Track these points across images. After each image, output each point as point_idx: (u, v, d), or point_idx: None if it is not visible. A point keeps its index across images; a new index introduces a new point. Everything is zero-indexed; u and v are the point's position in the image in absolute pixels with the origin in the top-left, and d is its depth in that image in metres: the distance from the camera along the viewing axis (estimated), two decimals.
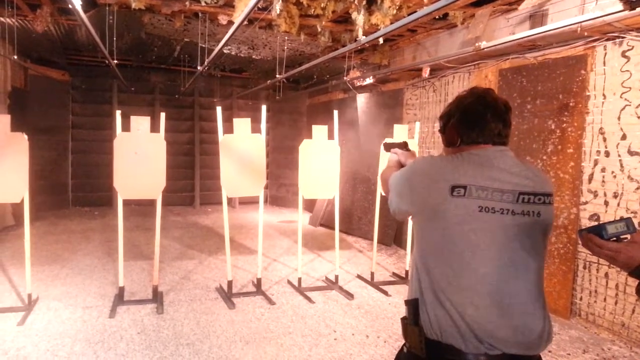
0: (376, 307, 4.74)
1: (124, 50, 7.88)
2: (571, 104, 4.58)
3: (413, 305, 1.55)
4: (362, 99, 8.32)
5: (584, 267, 4.45)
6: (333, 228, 8.37)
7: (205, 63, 5.70)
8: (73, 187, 10.38)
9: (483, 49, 4.19)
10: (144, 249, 6.78)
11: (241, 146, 4.89)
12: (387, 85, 7.71)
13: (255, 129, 4.95)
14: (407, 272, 5.66)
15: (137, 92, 10.42)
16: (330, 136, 5.23)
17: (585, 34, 4.08)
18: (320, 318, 4.40)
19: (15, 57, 6.54)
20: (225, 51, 7.09)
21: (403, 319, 1.61)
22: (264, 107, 5.04)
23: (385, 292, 5.13)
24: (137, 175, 4.54)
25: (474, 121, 1.60)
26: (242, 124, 4.89)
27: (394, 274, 5.86)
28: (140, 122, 4.59)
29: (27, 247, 4.39)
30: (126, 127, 4.56)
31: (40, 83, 9.14)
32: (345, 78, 7.04)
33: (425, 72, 6.06)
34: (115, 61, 5.88)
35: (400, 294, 5.12)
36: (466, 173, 1.51)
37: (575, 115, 4.54)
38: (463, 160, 1.55)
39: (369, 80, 7.68)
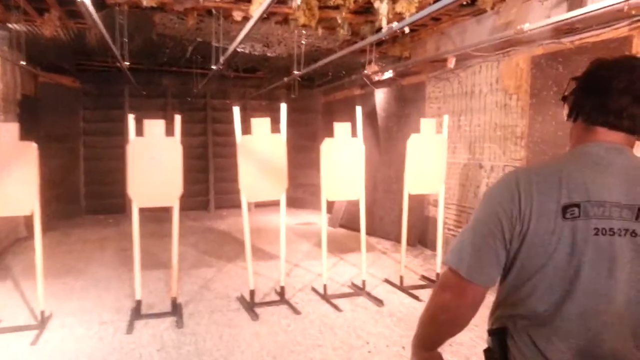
0: (409, 314, 4.43)
1: (135, 53, 7.64)
2: None
3: (499, 336, 1.26)
4: (380, 95, 8.02)
5: None
6: (353, 229, 8.12)
7: (221, 60, 5.45)
8: (86, 195, 10.19)
9: (526, 31, 3.86)
10: (161, 257, 6.54)
11: (261, 147, 4.63)
12: (407, 79, 7.39)
13: (273, 130, 4.69)
14: (437, 274, 5.34)
15: (149, 96, 10.21)
16: (353, 134, 4.95)
17: (633, 12, 3.74)
18: (350, 328, 4.12)
19: (24, 62, 6.32)
20: (239, 50, 6.83)
21: (487, 351, 1.31)
22: (283, 106, 4.77)
23: (416, 297, 4.83)
24: (153, 181, 4.29)
25: (594, 88, 1.23)
26: (261, 124, 4.63)
27: (423, 277, 5.55)
28: (154, 126, 4.34)
29: (38, 263, 4.16)
30: (139, 132, 4.32)
31: (51, 90, 8.96)
32: (365, 71, 6.73)
33: (451, 63, 5.74)
34: (127, 63, 5.63)
35: None
36: (578, 185, 1.16)
37: None
38: (572, 166, 1.21)
39: (389, 74, 7.38)
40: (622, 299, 1.13)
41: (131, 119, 4.28)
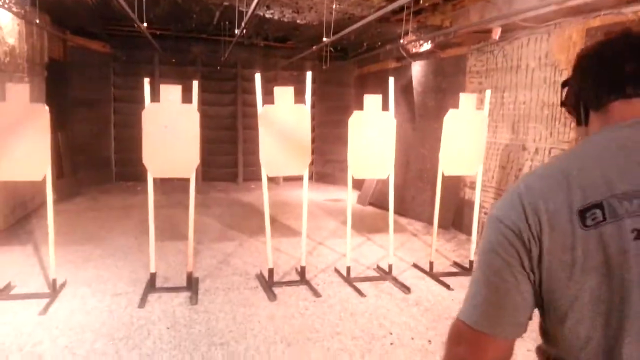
0: (437, 304, 4.12)
1: (161, 18, 7.42)
2: None
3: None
4: (417, 68, 7.56)
5: None
6: (383, 208, 7.77)
7: (243, 24, 5.14)
8: (116, 162, 10.16)
9: None
10: (184, 229, 6.32)
11: (283, 118, 4.32)
12: (447, 51, 6.92)
13: (300, 102, 4.38)
14: (471, 262, 4.97)
15: (179, 64, 10.00)
16: (385, 107, 4.58)
17: None
18: (372, 316, 3.84)
19: (38, 20, 6.14)
20: (267, 15, 6.50)
21: None
22: (309, 74, 4.44)
23: (446, 286, 4.49)
24: (168, 151, 4.07)
25: (594, 64, 0.97)
26: (284, 93, 4.31)
27: (456, 264, 5.19)
28: (170, 92, 4.09)
29: (50, 231, 4.06)
30: (156, 99, 4.11)
31: (80, 55, 8.84)
32: (401, 41, 6.31)
33: (496, 34, 5.26)
34: (145, 25, 5.38)
35: (464, 288, 4.46)
36: (595, 180, 0.85)
37: None
38: (584, 157, 0.91)
39: (427, 46, 6.92)
40: None
41: (146, 83, 4.04)
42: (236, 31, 5.70)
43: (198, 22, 7.87)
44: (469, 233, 5.85)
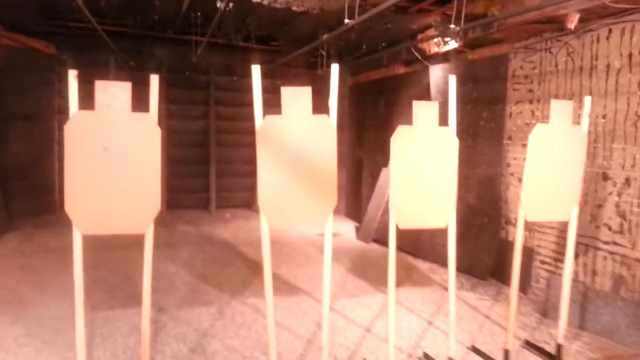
0: None
1: (116, 9, 5.82)
2: None
3: None
4: (437, 73, 6.14)
5: None
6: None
7: (221, 8, 3.59)
8: (60, 187, 8.34)
9: None
10: (141, 284, 4.72)
11: (296, 136, 2.78)
12: (479, 51, 5.53)
13: None
14: (559, 346, 3.42)
15: (139, 69, 8.29)
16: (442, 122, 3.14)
17: None
18: None
19: None
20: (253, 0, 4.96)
21: None
22: (334, 67, 2.93)
23: None
24: (107, 190, 2.46)
25: None
26: (297, 96, 2.79)
27: (529, 344, 3.67)
28: (114, 93, 2.50)
29: None
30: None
31: (19, 57, 7.10)
32: (431, 31, 4.87)
33: (572, 22, 3.89)
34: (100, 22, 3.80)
35: None
36: None
37: None
38: None
39: (452, 45, 5.51)
40: None
41: (72, 76, 2.44)
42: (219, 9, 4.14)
43: (162, 15, 6.26)
44: (519, 288, 4.45)
